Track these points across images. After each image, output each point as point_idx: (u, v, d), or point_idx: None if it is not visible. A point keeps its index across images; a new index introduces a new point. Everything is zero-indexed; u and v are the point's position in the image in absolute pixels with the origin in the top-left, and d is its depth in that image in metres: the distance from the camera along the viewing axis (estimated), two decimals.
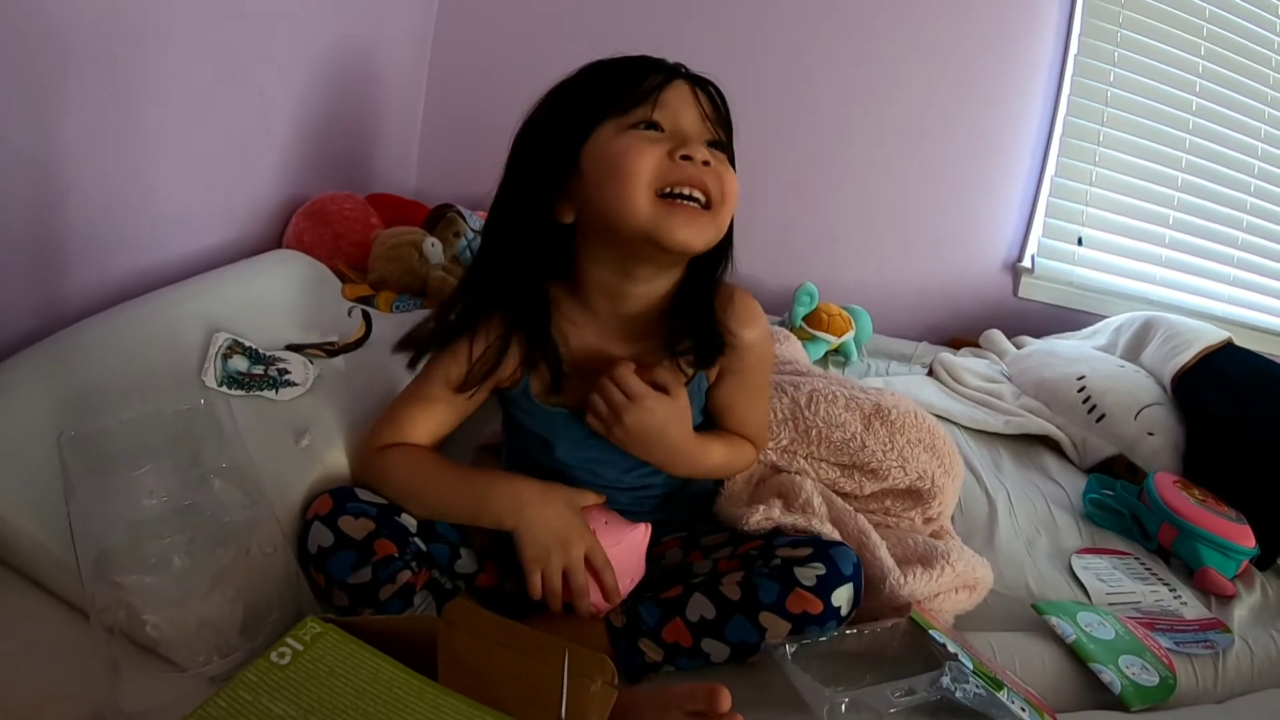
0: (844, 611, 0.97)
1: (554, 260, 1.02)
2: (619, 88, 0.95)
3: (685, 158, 0.93)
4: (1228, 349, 1.86)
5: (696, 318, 1.03)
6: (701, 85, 0.99)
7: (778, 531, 1.08)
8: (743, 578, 0.97)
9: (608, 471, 1.08)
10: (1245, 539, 1.39)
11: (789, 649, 0.92)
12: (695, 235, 0.93)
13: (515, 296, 1.01)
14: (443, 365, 1.04)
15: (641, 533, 1.03)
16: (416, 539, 0.96)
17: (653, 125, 0.95)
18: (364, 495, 0.97)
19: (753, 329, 1.07)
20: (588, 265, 1.02)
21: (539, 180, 0.98)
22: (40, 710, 0.76)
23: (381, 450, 1.05)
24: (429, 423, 1.06)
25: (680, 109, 0.96)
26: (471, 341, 1.02)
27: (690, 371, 1.06)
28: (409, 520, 0.97)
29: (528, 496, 0.99)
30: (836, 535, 1.09)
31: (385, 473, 1.02)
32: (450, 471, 1.03)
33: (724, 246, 1.03)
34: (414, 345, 1.05)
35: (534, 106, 1.02)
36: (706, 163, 0.94)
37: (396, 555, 0.92)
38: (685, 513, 1.16)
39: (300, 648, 0.67)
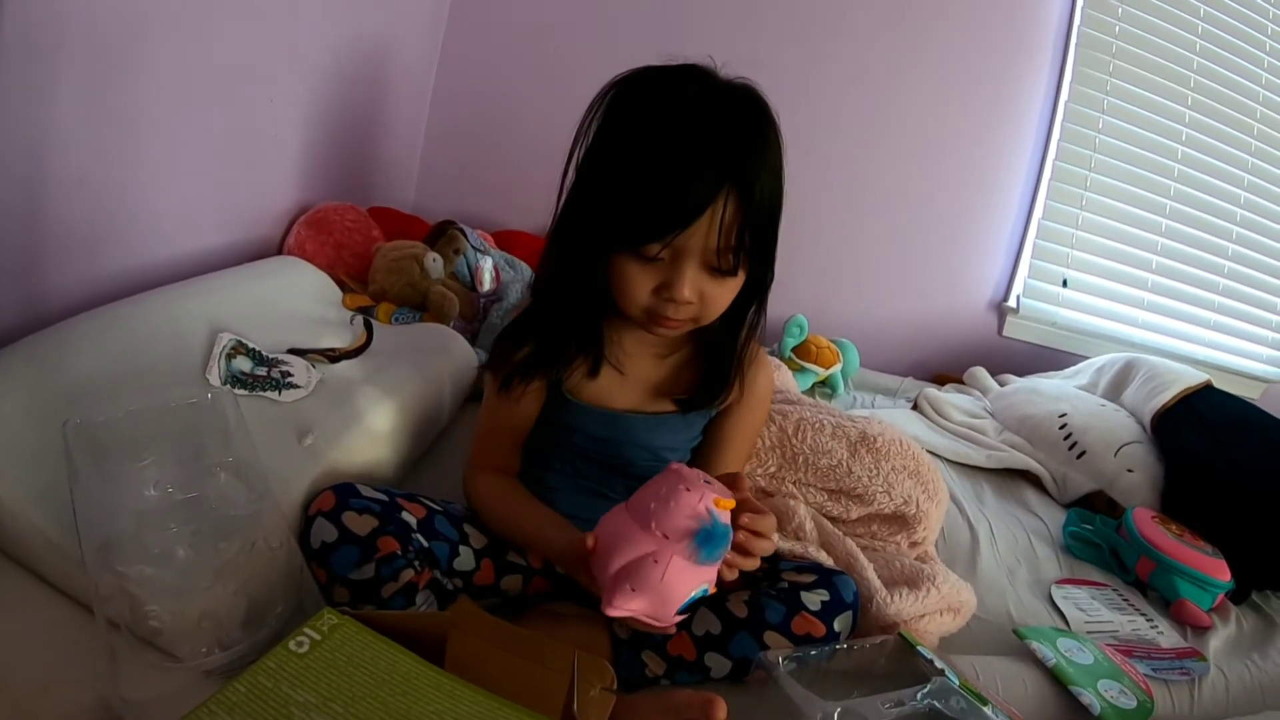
0: (842, 637, 1.01)
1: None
2: (639, 226, 0.94)
3: (669, 299, 0.97)
4: (1207, 391, 1.90)
5: (721, 362, 1.11)
6: (738, 187, 0.93)
7: (777, 555, 1.11)
8: (749, 596, 1.00)
9: (630, 451, 1.12)
10: (1221, 573, 1.42)
11: (783, 661, 0.93)
12: (670, 334, 1.05)
13: (579, 320, 1.07)
14: (506, 403, 1.10)
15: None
16: (419, 535, 0.97)
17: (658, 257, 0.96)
18: (366, 491, 0.97)
19: (763, 375, 1.18)
20: None
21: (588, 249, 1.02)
22: (45, 693, 0.76)
23: (476, 477, 1.12)
24: (508, 437, 1.13)
25: (687, 249, 0.95)
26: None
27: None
28: (411, 517, 0.98)
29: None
30: (832, 563, 1.13)
31: (478, 505, 1.10)
32: (518, 522, 1.05)
33: (753, 293, 1.06)
34: (508, 374, 1.09)
35: (589, 142, 1.00)
36: (690, 301, 0.98)
37: (399, 553, 0.92)
38: None
39: (318, 637, 0.68)
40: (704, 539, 0.80)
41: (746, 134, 0.95)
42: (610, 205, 0.96)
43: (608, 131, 0.98)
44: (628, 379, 1.11)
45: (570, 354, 1.08)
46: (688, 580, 0.81)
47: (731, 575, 0.88)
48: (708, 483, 0.83)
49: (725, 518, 0.82)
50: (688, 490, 0.81)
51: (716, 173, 0.92)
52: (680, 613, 0.83)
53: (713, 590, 0.84)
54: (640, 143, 0.94)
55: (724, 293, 1.00)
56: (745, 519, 0.87)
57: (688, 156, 0.92)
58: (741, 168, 0.93)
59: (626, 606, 0.81)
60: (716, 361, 1.12)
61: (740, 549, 0.87)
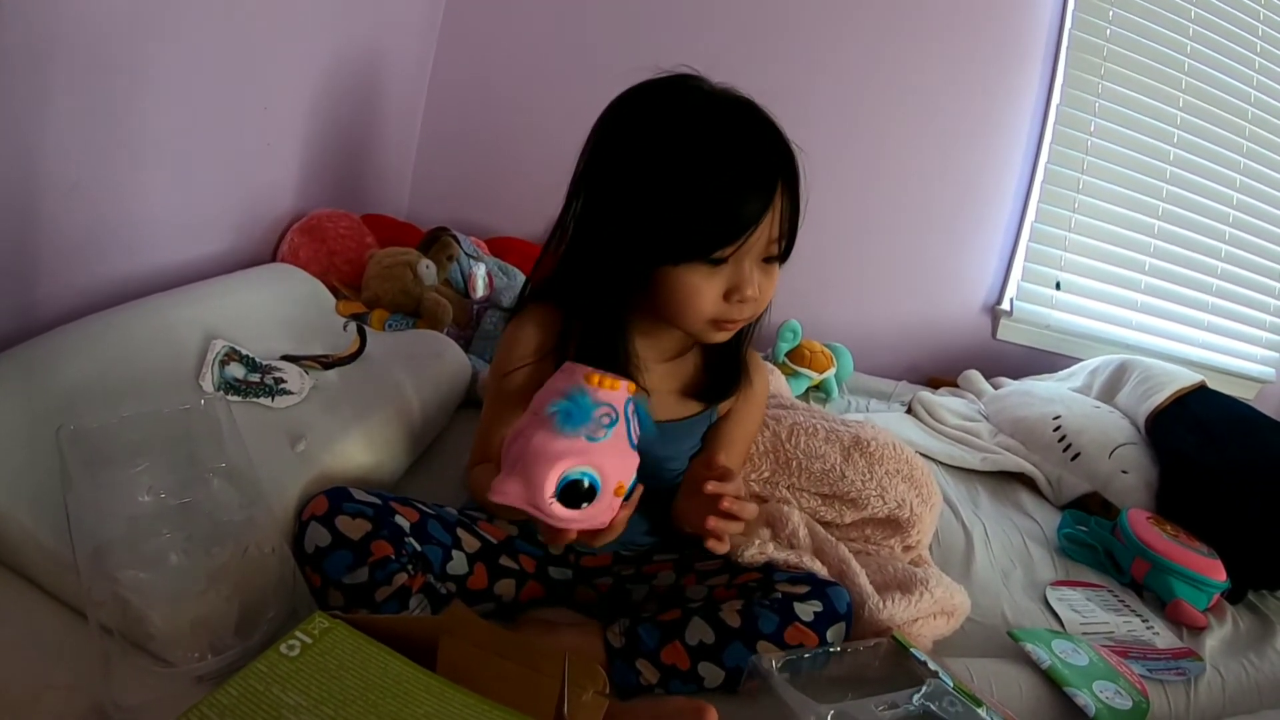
0: (835, 648, 1.01)
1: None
2: (713, 233, 0.95)
3: (740, 301, 1.00)
4: (1201, 391, 1.90)
5: (729, 358, 1.14)
6: (787, 181, 0.99)
7: (771, 564, 1.11)
8: (743, 606, 1.00)
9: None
10: (1216, 573, 1.42)
11: (776, 665, 0.94)
12: (726, 337, 1.06)
13: (611, 338, 1.07)
14: (510, 377, 1.09)
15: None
16: (412, 539, 0.97)
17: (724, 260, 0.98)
18: (360, 495, 0.97)
19: (760, 378, 1.21)
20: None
21: (622, 256, 1.01)
22: (39, 698, 0.75)
23: (474, 468, 1.10)
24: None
25: (752, 247, 0.97)
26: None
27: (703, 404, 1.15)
28: (404, 521, 0.98)
29: None
30: (826, 573, 1.13)
31: (475, 491, 1.09)
32: None
33: None
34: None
35: (616, 157, 1.01)
36: (756, 298, 1.01)
37: (393, 557, 0.92)
38: (676, 535, 1.17)
39: (309, 641, 0.68)
40: (563, 405, 0.78)
41: (779, 133, 1.01)
42: (673, 218, 0.96)
43: (638, 149, 0.99)
44: (649, 393, 1.10)
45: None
46: (553, 453, 0.78)
47: (721, 547, 0.92)
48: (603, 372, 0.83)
49: (602, 395, 0.80)
50: (564, 372, 0.84)
51: (774, 169, 0.97)
52: (564, 500, 0.79)
53: (614, 486, 0.82)
54: (695, 155, 0.95)
55: (772, 282, 1.04)
56: (710, 485, 0.91)
57: (749, 158, 0.97)
58: (787, 161, 0.99)
59: (502, 489, 0.79)
60: (724, 356, 1.14)
61: (728, 515, 0.91)
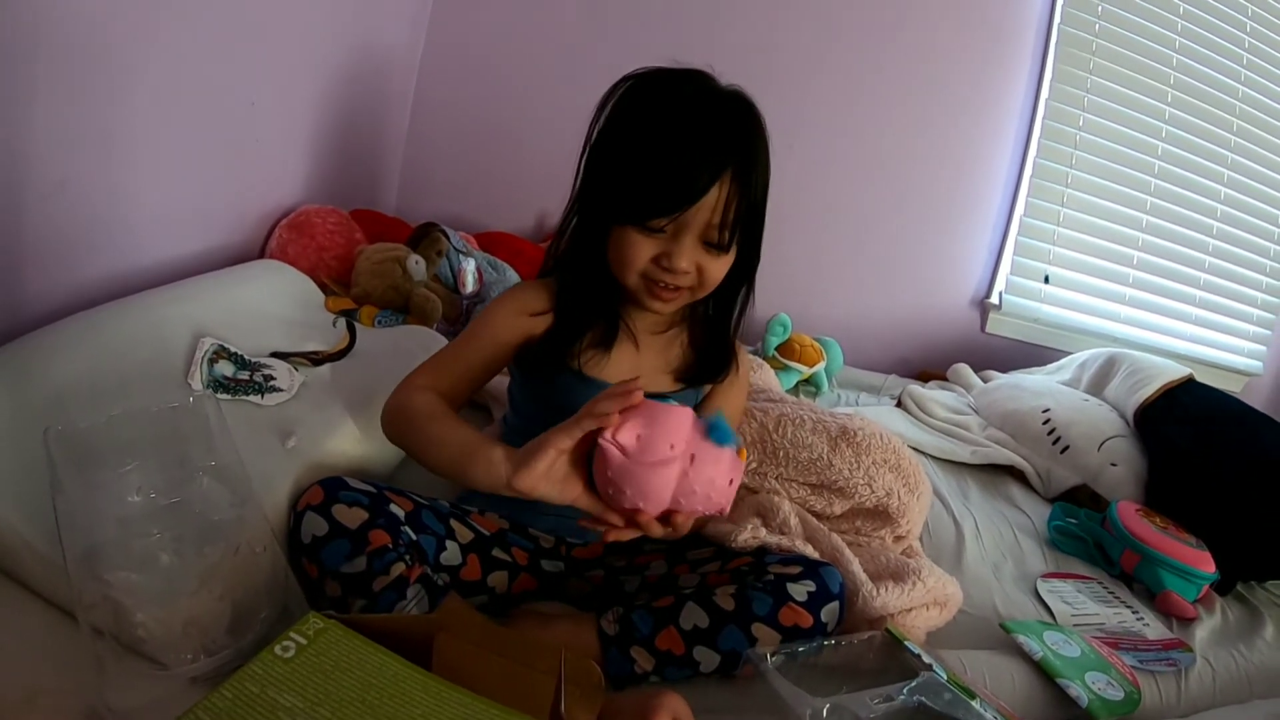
0: (830, 628, 1.01)
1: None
2: (649, 202, 1.01)
3: (667, 269, 1.04)
4: (1189, 384, 1.91)
5: (716, 337, 1.19)
6: (736, 173, 1.02)
7: (764, 549, 1.11)
8: (736, 589, 1.00)
9: None
10: (1205, 564, 1.43)
11: (771, 657, 0.93)
12: (666, 307, 1.10)
13: (595, 292, 1.12)
14: (492, 329, 1.12)
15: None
16: (407, 528, 0.97)
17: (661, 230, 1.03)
18: (354, 483, 0.97)
19: (741, 364, 1.24)
20: None
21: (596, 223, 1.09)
22: (32, 701, 0.75)
23: (413, 392, 1.07)
24: (470, 370, 1.12)
25: (689, 224, 1.02)
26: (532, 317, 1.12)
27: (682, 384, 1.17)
28: (399, 510, 0.98)
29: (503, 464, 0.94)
30: (819, 556, 1.13)
31: (403, 414, 1.05)
32: (454, 421, 1.02)
33: (743, 274, 1.14)
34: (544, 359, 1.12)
35: (603, 126, 1.07)
36: (686, 271, 1.04)
37: (390, 546, 0.92)
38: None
39: (304, 642, 0.67)
40: (721, 425, 0.91)
41: (747, 127, 1.05)
42: (622, 182, 1.03)
43: (622, 117, 1.06)
44: (640, 357, 1.14)
45: (584, 329, 1.11)
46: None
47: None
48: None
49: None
50: (661, 411, 0.89)
51: (721, 157, 1.00)
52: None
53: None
54: (654, 128, 1.02)
55: (717, 267, 1.07)
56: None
57: (698, 142, 1.00)
58: (742, 155, 1.02)
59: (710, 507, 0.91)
60: (713, 338, 1.18)
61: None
